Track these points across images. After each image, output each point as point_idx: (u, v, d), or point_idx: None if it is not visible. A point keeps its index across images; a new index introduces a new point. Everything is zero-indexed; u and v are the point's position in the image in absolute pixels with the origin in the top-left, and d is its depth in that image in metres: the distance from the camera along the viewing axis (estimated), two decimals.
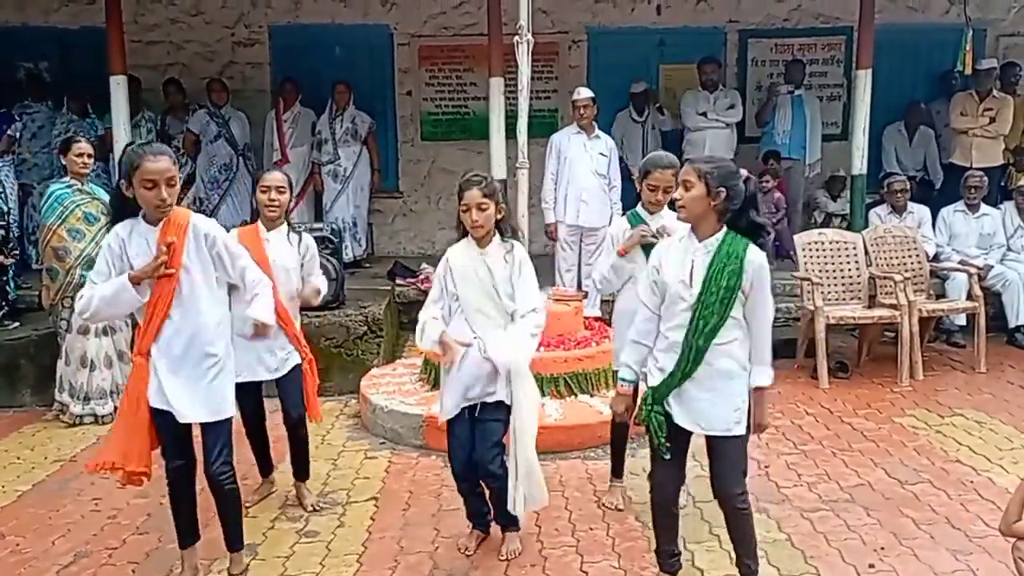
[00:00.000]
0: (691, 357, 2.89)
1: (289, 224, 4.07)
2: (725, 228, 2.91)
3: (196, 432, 3.22)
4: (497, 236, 3.44)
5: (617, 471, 4.09)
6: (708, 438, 2.97)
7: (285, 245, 3.97)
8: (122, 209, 3.10)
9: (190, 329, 3.07)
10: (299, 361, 3.94)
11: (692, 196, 2.90)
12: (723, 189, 2.85)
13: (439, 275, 3.47)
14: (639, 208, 3.88)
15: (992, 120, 7.57)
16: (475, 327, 3.37)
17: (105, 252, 3.12)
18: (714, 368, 2.90)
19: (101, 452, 3.24)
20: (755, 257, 2.87)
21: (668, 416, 2.96)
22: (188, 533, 3.32)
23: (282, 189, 3.95)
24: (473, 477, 3.49)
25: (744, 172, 2.95)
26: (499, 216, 3.41)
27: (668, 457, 2.98)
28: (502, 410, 3.39)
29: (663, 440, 2.96)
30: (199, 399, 3.10)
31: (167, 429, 3.13)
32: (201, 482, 3.24)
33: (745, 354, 2.94)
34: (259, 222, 3.97)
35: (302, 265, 4.01)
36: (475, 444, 3.42)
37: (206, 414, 3.12)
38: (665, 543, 3.19)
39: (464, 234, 3.45)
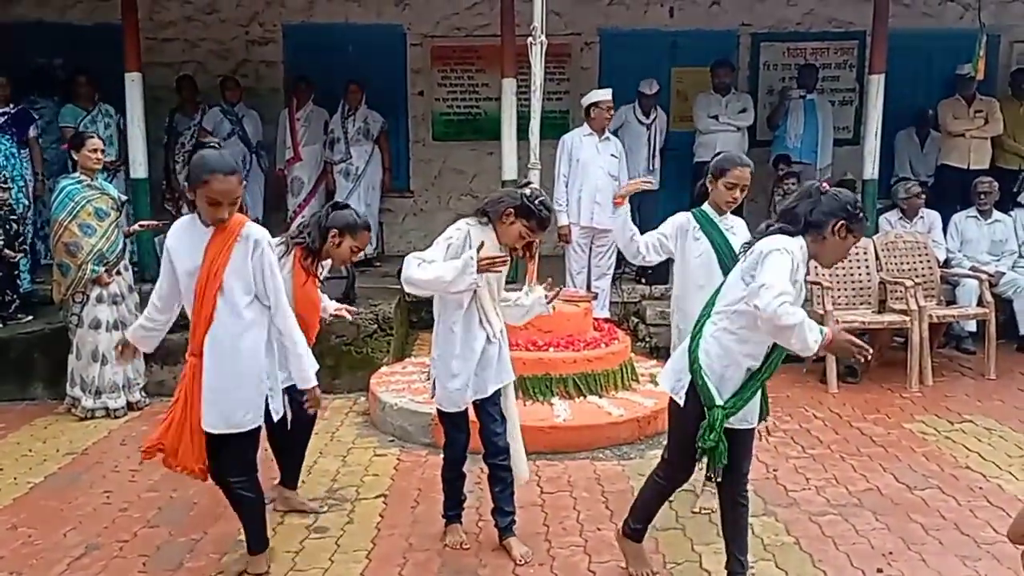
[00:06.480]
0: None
1: None
2: None
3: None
4: None
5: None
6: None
7: None
8: None
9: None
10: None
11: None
12: None
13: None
14: (706, 207, 3.77)
15: (986, 121, 7.69)
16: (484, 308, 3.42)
17: None
18: None
19: (151, 436, 3.22)
20: None
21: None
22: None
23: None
24: (464, 459, 3.55)
25: None
26: None
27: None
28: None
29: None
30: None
31: None
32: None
33: None
34: None
35: None
36: (487, 425, 3.44)
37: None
38: None
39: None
